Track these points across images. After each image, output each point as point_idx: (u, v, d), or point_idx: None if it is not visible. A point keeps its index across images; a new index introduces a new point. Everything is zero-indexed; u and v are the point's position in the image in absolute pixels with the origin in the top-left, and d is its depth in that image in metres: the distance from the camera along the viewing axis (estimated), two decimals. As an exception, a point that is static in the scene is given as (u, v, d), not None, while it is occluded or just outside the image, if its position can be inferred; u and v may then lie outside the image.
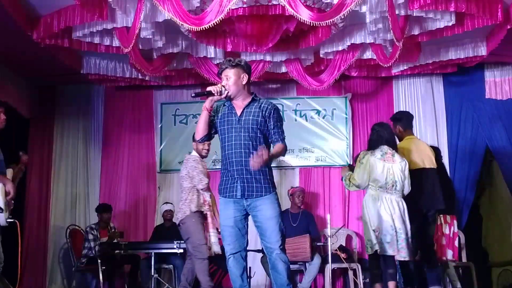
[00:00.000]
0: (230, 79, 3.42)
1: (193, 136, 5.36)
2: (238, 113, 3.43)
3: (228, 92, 3.39)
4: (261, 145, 3.40)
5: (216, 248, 5.13)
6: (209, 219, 5.18)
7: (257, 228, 3.42)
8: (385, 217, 4.43)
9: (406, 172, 4.56)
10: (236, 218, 3.39)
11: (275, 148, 3.45)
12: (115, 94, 7.62)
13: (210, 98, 3.38)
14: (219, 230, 5.21)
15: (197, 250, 5.01)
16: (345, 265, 6.02)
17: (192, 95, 3.56)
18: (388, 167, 4.49)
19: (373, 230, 4.45)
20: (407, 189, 4.58)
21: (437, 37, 5.69)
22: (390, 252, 4.43)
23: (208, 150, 5.31)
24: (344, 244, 6.62)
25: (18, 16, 5.05)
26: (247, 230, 3.46)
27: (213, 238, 5.15)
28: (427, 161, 4.88)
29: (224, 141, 3.44)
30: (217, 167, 7.23)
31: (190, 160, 5.24)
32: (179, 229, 5.19)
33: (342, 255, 5.93)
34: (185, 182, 5.18)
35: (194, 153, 5.32)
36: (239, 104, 3.45)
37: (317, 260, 6.05)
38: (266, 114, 3.43)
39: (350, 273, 6.10)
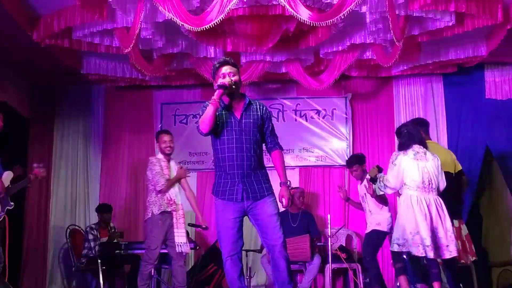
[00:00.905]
0: (235, 75, 3.44)
1: (157, 135, 5.43)
2: (238, 116, 3.43)
3: (234, 86, 3.39)
4: (259, 147, 3.47)
5: (184, 248, 5.17)
6: (174, 219, 5.20)
7: (258, 227, 3.43)
8: (423, 221, 4.36)
9: (440, 168, 4.52)
10: (236, 219, 3.40)
11: (280, 161, 3.55)
12: (115, 94, 7.62)
13: (221, 91, 3.33)
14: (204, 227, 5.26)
15: (146, 253, 5.17)
16: (345, 265, 6.03)
17: (218, 84, 3.35)
18: (422, 166, 4.45)
19: (410, 233, 4.37)
20: (442, 186, 4.53)
21: (437, 37, 5.69)
22: (431, 255, 4.35)
23: (170, 147, 5.36)
24: (344, 244, 6.62)
25: (18, 16, 5.05)
26: (242, 232, 3.48)
27: (180, 238, 5.18)
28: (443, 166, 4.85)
29: (221, 144, 3.42)
30: (217, 167, 7.24)
31: (149, 162, 5.33)
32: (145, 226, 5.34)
33: (342, 255, 5.94)
34: (149, 185, 5.31)
35: (158, 154, 5.38)
36: (235, 106, 3.45)
37: (317, 260, 6.05)
38: (264, 116, 3.51)
39: (350, 273, 6.11)
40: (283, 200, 3.46)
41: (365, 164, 5.76)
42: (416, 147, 4.54)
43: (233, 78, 3.40)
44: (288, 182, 3.53)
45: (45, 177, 5.43)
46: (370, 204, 5.55)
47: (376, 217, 5.53)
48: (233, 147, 3.38)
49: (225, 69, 3.44)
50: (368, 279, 5.68)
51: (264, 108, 3.54)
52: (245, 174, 3.38)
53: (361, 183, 5.75)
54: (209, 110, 3.32)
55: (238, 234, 3.41)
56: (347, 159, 6.31)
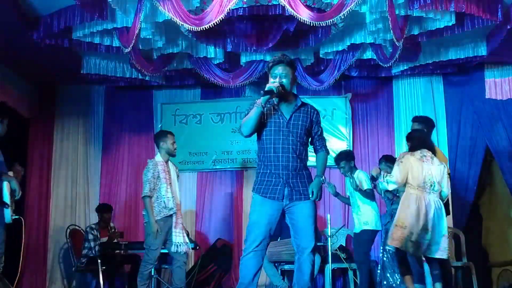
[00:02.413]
0: (288, 77, 3.39)
1: (163, 134, 5.25)
2: (287, 116, 3.41)
3: (283, 90, 3.35)
4: (305, 149, 3.45)
5: (181, 248, 5.12)
6: (174, 220, 5.13)
7: (292, 226, 3.41)
8: (421, 218, 4.42)
9: (445, 175, 4.62)
10: (272, 217, 3.36)
11: (322, 160, 3.53)
12: (115, 94, 7.62)
13: (268, 95, 3.29)
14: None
15: (147, 253, 5.08)
16: (345, 265, 6.02)
17: (261, 92, 3.32)
18: (427, 168, 4.53)
19: (402, 227, 4.42)
20: (445, 192, 4.63)
21: (437, 37, 5.70)
22: (410, 251, 4.44)
23: (175, 148, 5.27)
24: (344, 244, 6.61)
25: (18, 16, 5.06)
26: (272, 233, 3.42)
27: (178, 238, 5.12)
28: None
29: (268, 143, 3.39)
30: (217, 167, 7.24)
31: (146, 167, 5.16)
32: (144, 227, 5.21)
33: (342, 255, 5.93)
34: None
35: (157, 156, 5.21)
36: (286, 107, 3.43)
37: (317, 260, 6.04)
38: (314, 119, 3.48)
39: (350, 273, 6.10)
40: (313, 191, 3.35)
41: (353, 160, 5.76)
42: (425, 151, 4.62)
43: (284, 80, 3.36)
44: (323, 179, 3.44)
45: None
46: (358, 199, 5.56)
47: (363, 215, 5.53)
48: (280, 147, 3.35)
49: (279, 69, 3.39)
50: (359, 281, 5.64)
51: (316, 112, 3.52)
52: (290, 175, 3.36)
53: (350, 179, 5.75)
54: (253, 113, 3.29)
55: (269, 233, 3.36)
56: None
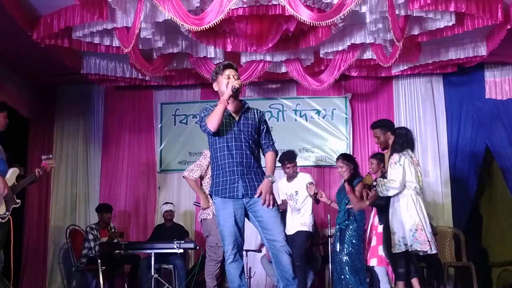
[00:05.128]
0: (239, 79, 3.55)
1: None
2: (236, 117, 3.53)
3: (239, 89, 3.50)
4: (257, 147, 3.57)
5: None
6: None
7: (259, 223, 3.44)
8: (424, 219, 4.53)
9: None
10: (237, 216, 3.41)
11: (271, 160, 3.60)
12: (115, 94, 7.62)
13: (232, 93, 3.44)
14: None
15: (213, 251, 4.96)
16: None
17: (235, 87, 3.45)
18: (416, 170, 4.60)
19: (410, 230, 4.46)
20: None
21: (437, 37, 5.70)
22: (434, 249, 4.51)
23: None
24: (344, 244, 6.60)
25: (18, 16, 5.06)
26: (244, 229, 3.48)
27: None
28: None
29: (221, 142, 3.48)
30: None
31: (202, 155, 5.10)
32: (201, 224, 5.12)
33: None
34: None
35: None
36: (235, 109, 3.55)
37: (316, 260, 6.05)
38: (261, 120, 3.62)
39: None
40: (262, 191, 3.39)
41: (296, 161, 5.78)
42: (411, 152, 4.66)
43: (237, 83, 3.50)
44: (272, 180, 3.48)
45: (55, 168, 5.16)
46: (302, 203, 5.56)
47: (302, 217, 5.57)
48: (233, 145, 3.46)
49: (230, 71, 3.55)
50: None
51: (261, 113, 3.67)
52: (245, 171, 3.44)
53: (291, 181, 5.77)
54: (220, 109, 3.40)
55: (239, 232, 3.42)
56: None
